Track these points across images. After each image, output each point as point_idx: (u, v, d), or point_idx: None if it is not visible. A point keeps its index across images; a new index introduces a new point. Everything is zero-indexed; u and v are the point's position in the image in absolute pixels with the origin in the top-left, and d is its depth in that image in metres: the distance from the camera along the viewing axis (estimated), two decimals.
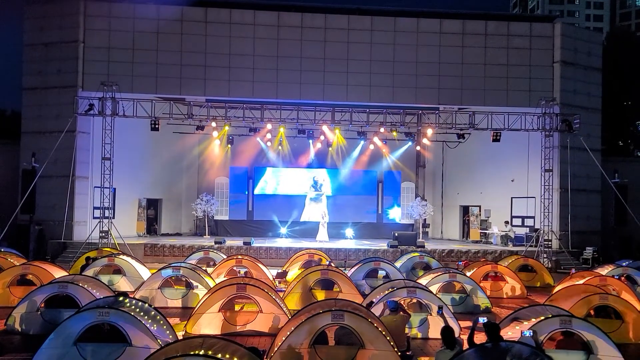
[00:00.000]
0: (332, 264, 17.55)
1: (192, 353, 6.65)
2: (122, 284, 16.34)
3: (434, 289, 13.75)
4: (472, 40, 25.84)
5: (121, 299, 10.03)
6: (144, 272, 16.95)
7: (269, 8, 25.76)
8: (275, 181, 30.99)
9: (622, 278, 16.16)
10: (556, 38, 26.07)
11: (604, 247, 25.66)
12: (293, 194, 30.65)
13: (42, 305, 11.60)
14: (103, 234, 22.79)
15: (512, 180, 27.38)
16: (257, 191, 30.84)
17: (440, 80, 25.58)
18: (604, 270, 17.12)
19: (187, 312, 12.88)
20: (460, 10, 26.90)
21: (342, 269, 17.69)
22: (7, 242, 21.28)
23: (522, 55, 25.88)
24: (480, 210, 29.38)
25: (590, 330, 9.16)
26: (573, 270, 18.22)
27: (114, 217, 23.64)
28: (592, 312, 11.70)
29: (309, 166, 30.72)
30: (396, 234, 25.12)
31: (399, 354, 8.87)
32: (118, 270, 16.81)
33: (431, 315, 11.53)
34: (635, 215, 22.50)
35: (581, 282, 14.51)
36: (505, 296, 16.93)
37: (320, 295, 13.99)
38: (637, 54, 39.66)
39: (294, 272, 17.94)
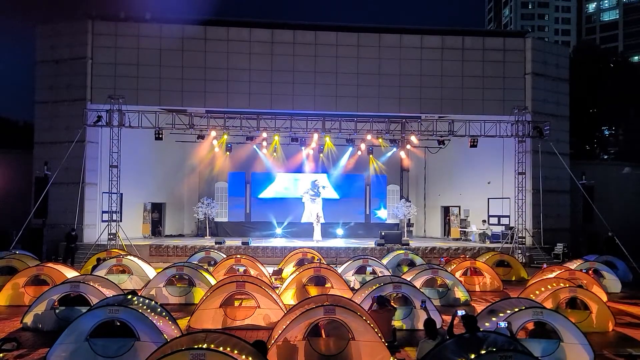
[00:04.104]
0: (324, 262, 17.60)
1: (195, 347, 6.67)
2: (130, 282, 16.33)
3: (417, 283, 13.80)
4: (450, 54, 26.04)
5: (130, 297, 10.04)
6: (150, 271, 16.93)
7: (263, 26, 25.85)
8: (271, 185, 31.01)
9: (590, 272, 16.36)
10: (527, 52, 26.32)
11: (573, 243, 25.86)
12: (287, 197, 30.71)
13: (56, 303, 11.58)
14: (111, 236, 22.77)
15: (489, 183, 27.57)
16: (254, 195, 30.87)
17: (422, 91, 25.76)
18: (573, 265, 17.27)
19: (189, 308, 12.89)
20: (439, 27, 27.13)
21: (334, 266, 17.75)
22: (21, 245, 21.17)
23: (496, 68, 26.10)
24: (459, 210, 29.52)
25: (560, 321, 9.26)
26: (545, 265, 18.30)
27: (121, 220, 23.62)
28: (562, 304, 11.84)
29: (301, 171, 30.81)
30: (383, 233, 25.20)
31: (386, 344, 8.95)
32: (126, 270, 16.80)
33: (415, 308, 11.61)
34: (601, 214, 22.70)
35: (552, 275, 14.62)
36: (483, 290, 17.03)
37: (313, 291, 14.01)
38: (601, 65, 40.05)
39: (288, 269, 18.00)
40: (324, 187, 30.51)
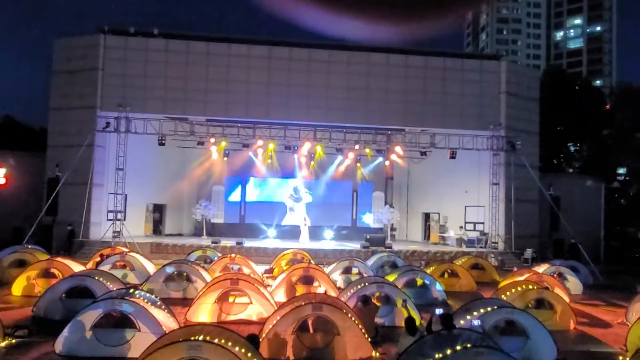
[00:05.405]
0: (313, 262, 17.52)
1: (192, 338, 6.63)
2: (132, 277, 16.18)
3: (399, 284, 13.74)
4: (432, 73, 26.14)
5: (132, 290, 9.95)
6: (150, 268, 16.80)
7: (261, 43, 25.85)
8: (265, 190, 30.95)
9: (555, 275, 16.45)
10: (502, 73, 26.50)
11: (541, 249, 25.97)
12: (280, 201, 30.65)
13: (64, 295, 11.49)
14: (115, 234, 22.58)
15: (466, 192, 27.60)
16: (248, 198, 30.77)
17: (406, 106, 25.79)
18: (541, 269, 17.37)
19: (187, 303, 12.75)
20: (423, 48, 27.23)
21: (322, 266, 17.67)
22: (34, 240, 20.94)
23: (474, 87, 26.24)
24: (439, 217, 29.64)
25: (528, 319, 9.30)
26: (515, 268, 18.44)
27: (125, 220, 23.39)
28: (530, 304, 11.88)
29: (294, 177, 30.74)
30: (368, 237, 25.10)
31: (369, 340, 8.92)
32: (128, 266, 16.65)
33: (397, 306, 11.57)
34: (566, 222, 22.88)
35: (522, 278, 14.69)
36: (459, 290, 16.99)
37: (302, 289, 13.94)
38: (567, 88, 40.48)
39: (279, 269, 17.88)
40: (299, 191, 30.44)
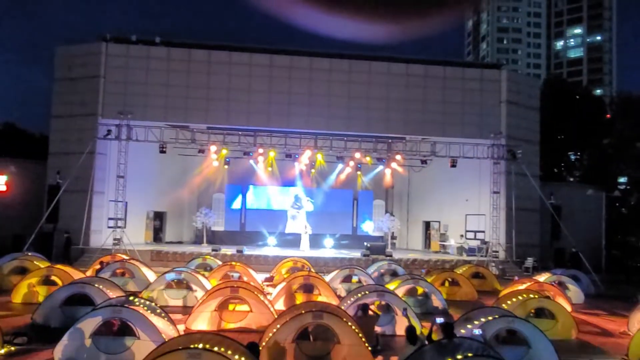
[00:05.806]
0: (313, 270, 17.46)
1: (192, 346, 6.59)
2: (132, 285, 16.13)
3: (399, 292, 13.67)
4: (433, 82, 26.20)
5: (131, 298, 9.92)
6: (151, 275, 16.74)
7: (263, 51, 25.96)
8: (265, 198, 30.93)
9: (556, 284, 16.37)
10: (502, 82, 26.56)
11: (542, 258, 25.87)
12: (280, 209, 30.61)
13: (63, 302, 11.45)
14: (116, 241, 22.54)
15: (467, 200, 27.59)
16: (249, 206, 30.74)
17: (407, 114, 25.82)
18: (542, 277, 17.31)
19: (187, 311, 12.70)
20: (423, 57, 27.33)
21: (322, 274, 17.60)
22: (34, 247, 20.90)
23: (475, 96, 26.28)
24: (439, 225, 29.58)
25: (529, 329, 9.24)
26: (516, 277, 18.38)
27: (125, 227, 23.36)
28: (531, 313, 11.83)
29: (294, 185, 30.72)
30: (368, 245, 24.99)
31: (369, 348, 8.87)
32: (128, 273, 16.60)
33: (397, 315, 11.52)
34: (567, 231, 22.82)
35: (523, 287, 14.62)
36: (459, 299, 16.93)
37: (302, 297, 13.87)
38: (568, 97, 40.56)
39: (279, 277, 17.82)
40: (300, 199, 30.41)
